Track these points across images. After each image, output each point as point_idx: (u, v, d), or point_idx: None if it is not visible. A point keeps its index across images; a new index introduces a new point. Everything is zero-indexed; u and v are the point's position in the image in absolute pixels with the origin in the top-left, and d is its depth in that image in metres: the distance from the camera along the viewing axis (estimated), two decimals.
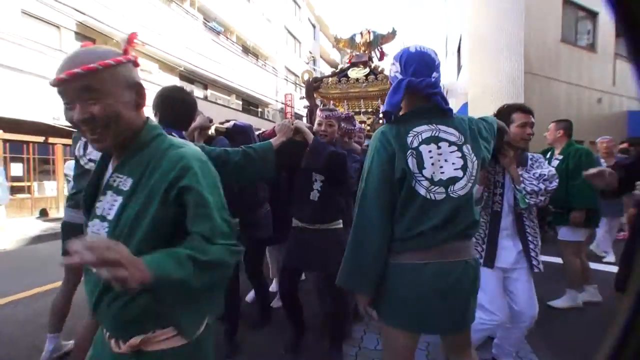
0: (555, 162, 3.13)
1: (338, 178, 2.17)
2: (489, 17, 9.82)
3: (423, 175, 1.20)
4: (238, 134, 2.45)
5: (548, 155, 3.30)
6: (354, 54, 7.28)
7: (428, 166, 1.20)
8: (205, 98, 14.56)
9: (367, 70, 6.74)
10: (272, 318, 2.88)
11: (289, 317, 2.42)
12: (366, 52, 7.15)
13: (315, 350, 2.43)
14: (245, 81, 15.78)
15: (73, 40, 9.59)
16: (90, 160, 2.27)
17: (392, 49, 7.88)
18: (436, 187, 1.19)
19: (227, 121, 2.79)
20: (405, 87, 1.24)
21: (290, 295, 2.36)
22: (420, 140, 1.22)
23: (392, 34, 7.19)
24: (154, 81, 11.43)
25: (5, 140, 8.12)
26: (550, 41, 9.29)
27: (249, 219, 2.47)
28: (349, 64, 7.27)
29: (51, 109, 8.22)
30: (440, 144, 1.22)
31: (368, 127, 6.68)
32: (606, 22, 10.11)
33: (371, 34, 7.24)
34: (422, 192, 1.20)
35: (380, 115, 6.89)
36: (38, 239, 6.54)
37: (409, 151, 1.21)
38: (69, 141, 8.75)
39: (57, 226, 7.81)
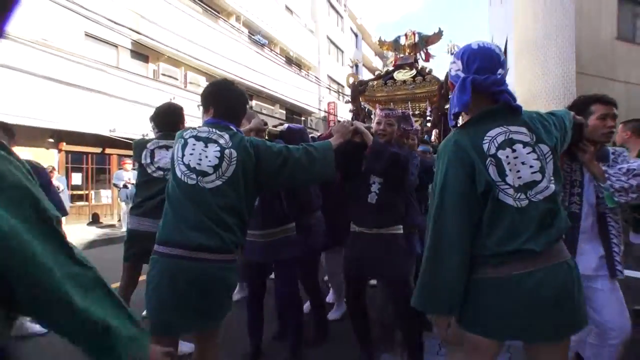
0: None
1: (399, 180, 2.08)
2: (536, 17, 9.44)
3: (507, 183, 1.13)
4: (292, 136, 2.37)
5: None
6: (399, 56, 7.05)
7: (509, 173, 1.13)
8: (250, 108, 14.85)
9: (414, 72, 6.49)
10: (330, 332, 2.70)
11: (356, 331, 2.28)
12: (411, 53, 6.93)
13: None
14: (288, 91, 15.99)
15: (129, 57, 10.27)
16: (159, 168, 2.34)
17: (438, 49, 7.52)
18: (519, 194, 1.13)
19: (281, 124, 2.84)
20: (470, 85, 1.16)
21: (357, 306, 2.24)
22: (497, 145, 1.15)
23: (439, 35, 6.90)
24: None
25: (67, 152, 8.78)
26: (604, 39, 8.92)
27: (304, 224, 2.42)
28: (393, 67, 7.05)
29: (108, 122, 8.79)
30: (515, 147, 1.14)
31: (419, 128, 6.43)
32: None
33: (416, 36, 7.01)
34: (510, 201, 1.13)
35: (429, 118, 6.51)
36: (92, 244, 6.88)
37: (488, 159, 1.14)
38: (123, 151, 9.36)
39: (109, 232, 8.26)
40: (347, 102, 8.47)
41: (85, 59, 8.45)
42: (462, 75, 1.21)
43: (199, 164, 1.43)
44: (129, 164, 7.94)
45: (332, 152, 1.66)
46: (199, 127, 1.56)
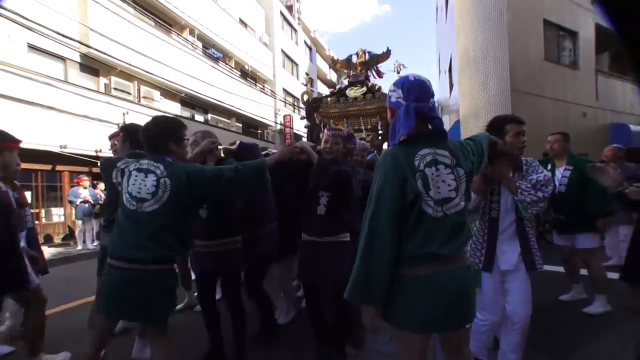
0: (566, 172, 3.29)
1: (344, 193, 2.33)
2: (476, 38, 10.27)
3: (430, 196, 1.32)
4: (245, 151, 2.63)
5: (549, 167, 3.40)
6: (351, 74, 7.55)
7: (432, 187, 1.32)
8: (206, 122, 14.92)
9: (365, 89, 6.98)
10: (280, 335, 2.87)
11: (315, 329, 2.49)
12: (363, 71, 7.41)
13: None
14: (244, 105, 16.21)
15: (78, 71, 9.99)
16: None
17: (387, 67, 8.18)
18: (437, 206, 1.32)
19: (234, 143, 2.93)
20: (414, 111, 1.35)
21: (313, 308, 2.46)
22: (425, 163, 1.33)
23: (387, 54, 7.43)
24: (156, 107, 11.81)
25: None
26: (534, 60, 9.80)
27: (251, 236, 2.58)
28: (347, 84, 7.53)
29: (58, 138, 8.48)
30: (438, 167, 1.34)
31: (368, 144, 6.88)
32: (586, 40, 10.81)
33: (366, 54, 7.49)
34: (430, 211, 1.32)
35: (380, 132, 7.07)
36: (49, 263, 6.61)
37: (417, 174, 1.32)
38: (75, 168, 9.04)
39: (64, 250, 7.94)
40: (302, 118, 8.87)
41: (29, 72, 8.15)
42: (403, 102, 1.38)
43: (139, 192, 1.74)
44: (86, 180, 7.73)
45: (264, 169, 1.97)
46: (142, 159, 1.86)
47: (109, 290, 1.73)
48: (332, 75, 30.30)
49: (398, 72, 6.72)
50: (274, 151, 3.04)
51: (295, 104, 22.48)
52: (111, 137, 3.07)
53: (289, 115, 20.31)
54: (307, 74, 24.14)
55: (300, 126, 21.97)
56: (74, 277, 5.56)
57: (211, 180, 1.82)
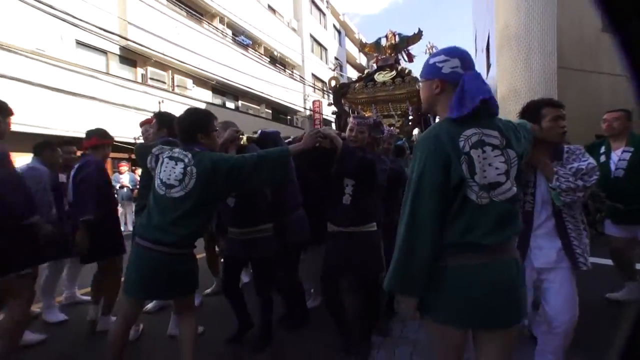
0: (625, 155, 2.93)
1: (370, 181, 2.27)
2: (519, 12, 9.36)
3: (475, 181, 1.19)
4: (267, 140, 2.65)
5: (603, 150, 3.08)
6: (380, 58, 7.40)
7: (478, 171, 1.19)
8: (237, 109, 15.29)
9: (394, 73, 6.85)
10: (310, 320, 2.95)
11: (335, 321, 2.47)
12: (392, 54, 7.24)
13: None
14: (274, 91, 16.41)
15: (118, 63, 10.54)
16: None
17: (418, 49, 7.92)
18: (482, 192, 1.20)
19: (257, 131, 3.00)
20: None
21: (333, 300, 2.41)
22: (470, 144, 1.20)
23: (418, 35, 7.18)
24: (189, 95, 12.26)
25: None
26: (588, 31, 8.62)
27: (280, 224, 2.63)
28: (375, 68, 7.41)
29: (100, 126, 9.06)
30: (485, 148, 1.20)
31: (397, 130, 6.80)
32: None
33: (396, 37, 7.27)
34: (474, 197, 1.20)
35: (410, 117, 6.96)
36: None
37: (462, 156, 1.19)
38: (115, 154, 9.63)
39: None
40: (330, 104, 8.80)
41: (77, 67, 8.73)
42: (462, 72, 1.24)
43: (169, 179, 1.86)
44: (124, 166, 8.25)
45: (287, 157, 1.98)
46: (175, 148, 1.99)
47: (131, 267, 1.88)
48: (362, 59, 29.75)
49: (431, 54, 6.54)
50: (271, 129, 3.04)
51: (325, 89, 22.41)
52: (142, 124, 3.16)
53: (318, 100, 20.31)
54: (336, 58, 23.91)
55: (329, 112, 22.00)
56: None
57: (234, 169, 1.86)
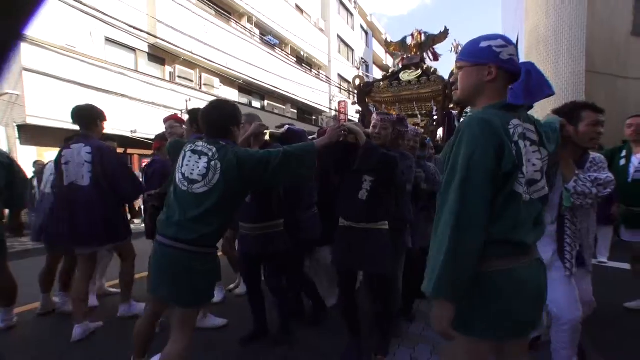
0: None
1: (389, 178, 2.19)
2: (548, 15, 9.22)
3: (522, 173, 1.08)
4: (292, 138, 2.53)
5: (624, 152, 3.09)
6: (405, 57, 7.14)
7: (525, 164, 1.09)
8: (263, 108, 15.31)
9: (419, 72, 6.60)
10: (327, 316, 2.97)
11: (346, 321, 2.39)
12: (418, 53, 6.97)
13: (365, 347, 2.43)
14: (299, 91, 16.35)
15: (146, 61, 10.76)
16: None
17: (443, 48, 7.60)
18: (526, 187, 1.11)
19: (283, 126, 2.92)
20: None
21: (347, 298, 2.34)
22: (518, 134, 1.10)
23: (445, 34, 6.91)
24: (216, 94, 12.37)
25: None
26: (618, 36, 8.67)
27: (292, 221, 2.58)
28: (400, 67, 7.15)
29: (129, 123, 9.26)
30: (526, 142, 1.12)
31: (422, 130, 6.55)
32: None
33: (422, 35, 7.01)
34: (521, 191, 1.09)
35: (435, 117, 6.65)
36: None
37: (512, 144, 1.07)
38: (144, 151, 9.83)
39: (133, 227, 8.72)
40: (353, 103, 8.62)
41: (107, 64, 8.94)
42: (517, 61, 1.16)
43: (192, 174, 1.73)
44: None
45: (313, 154, 1.86)
46: (198, 141, 1.83)
47: (152, 265, 1.78)
48: (389, 60, 29.25)
49: (457, 53, 6.24)
50: (297, 127, 2.95)
51: (351, 90, 22.15)
52: (166, 120, 3.15)
53: (344, 101, 20.07)
54: (362, 58, 23.60)
55: (354, 112, 21.73)
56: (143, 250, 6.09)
57: (260, 165, 1.75)
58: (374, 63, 26.59)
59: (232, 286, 3.83)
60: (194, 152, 1.79)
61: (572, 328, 1.85)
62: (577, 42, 8.55)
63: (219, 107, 1.86)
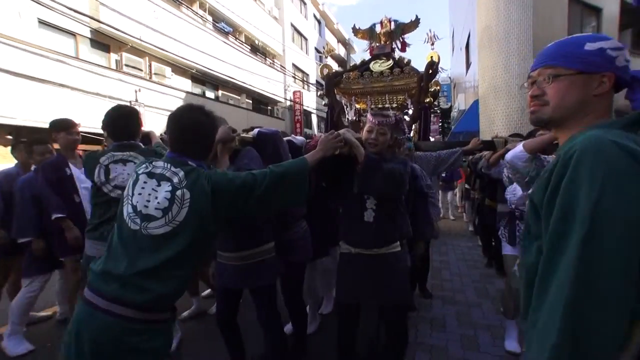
0: None
1: (396, 196, 1.91)
2: (498, 16, 9.83)
3: None
4: (265, 142, 2.10)
5: None
6: (375, 45, 6.92)
7: None
8: (217, 99, 14.49)
9: (391, 62, 6.43)
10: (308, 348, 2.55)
11: (342, 351, 2.06)
12: (387, 42, 6.76)
13: None
14: (254, 81, 15.68)
15: (89, 47, 9.55)
16: (116, 187, 2.03)
17: (414, 38, 7.58)
18: None
19: (252, 129, 2.52)
20: None
21: (347, 336, 2.01)
22: None
23: (415, 23, 6.71)
24: (168, 84, 11.40)
25: None
26: (558, 38, 9.54)
27: (282, 241, 2.15)
28: (370, 57, 6.94)
29: (71, 116, 8.17)
30: None
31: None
32: (610, 17, 10.44)
33: (392, 23, 6.81)
34: None
35: (408, 110, 6.58)
36: None
37: None
38: (91, 147, 8.77)
39: None
40: (320, 95, 8.23)
41: (41, 49, 7.75)
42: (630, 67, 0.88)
43: (146, 207, 1.24)
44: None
45: (306, 172, 1.46)
46: (157, 160, 1.36)
47: (72, 331, 1.18)
48: (341, 50, 29.25)
49: (432, 44, 6.14)
50: (298, 137, 2.70)
51: (305, 79, 21.80)
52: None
53: (299, 91, 19.73)
54: (316, 49, 23.29)
55: (310, 102, 21.45)
56: None
57: (241, 193, 1.31)
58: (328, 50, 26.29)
59: (185, 314, 3.17)
60: (150, 175, 1.29)
61: None
62: (526, 42, 9.13)
63: (190, 114, 1.36)
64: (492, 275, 4.23)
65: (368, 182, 1.77)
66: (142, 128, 2.26)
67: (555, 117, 0.90)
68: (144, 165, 1.34)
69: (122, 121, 2.10)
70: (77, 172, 2.65)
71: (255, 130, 2.18)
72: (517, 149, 1.76)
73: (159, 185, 1.27)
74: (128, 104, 9.88)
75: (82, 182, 2.62)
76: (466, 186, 7.40)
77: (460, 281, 4.08)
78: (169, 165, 1.30)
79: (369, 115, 2.03)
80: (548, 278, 0.73)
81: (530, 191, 0.92)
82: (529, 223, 0.90)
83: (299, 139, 2.64)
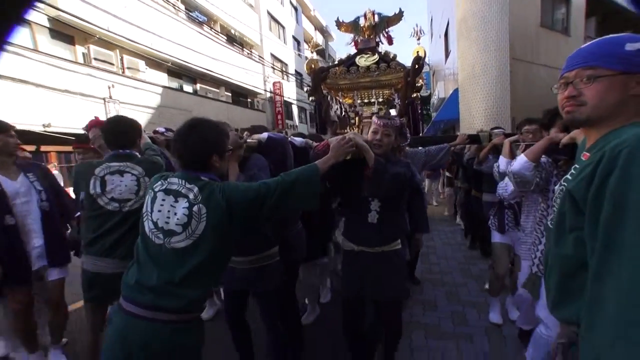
0: None
1: (400, 199, 1.98)
2: (476, 5, 9.99)
3: None
4: (273, 148, 2.12)
5: None
6: (359, 40, 6.68)
7: None
8: (195, 92, 13.80)
9: (377, 57, 6.24)
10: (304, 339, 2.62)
11: (352, 352, 2.17)
12: (372, 36, 6.57)
13: None
14: (233, 73, 15.03)
15: (48, 38, 8.68)
16: (113, 199, 1.93)
17: (398, 32, 7.36)
18: None
19: (254, 130, 2.50)
20: None
21: (354, 328, 2.09)
22: None
23: (399, 16, 6.51)
24: (142, 78, 10.66)
25: None
26: (531, 26, 9.76)
27: (282, 241, 2.19)
28: (355, 50, 6.70)
29: (40, 115, 7.47)
30: None
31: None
32: (577, 5, 10.79)
33: (375, 16, 6.60)
34: None
35: (395, 104, 6.39)
36: None
37: None
38: (63, 148, 8.07)
39: None
40: (307, 91, 7.95)
41: None
42: None
43: (167, 223, 1.30)
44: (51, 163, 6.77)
45: (317, 178, 1.48)
46: (171, 177, 1.39)
47: (111, 343, 1.28)
48: (318, 38, 28.62)
49: (419, 39, 5.96)
50: (297, 138, 2.60)
51: (284, 69, 21.17)
52: (89, 128, 2.35)
53: (279, 82, 19.14)
54: (294, 37, 22.61)
55: (290, 93, 20.90)
56: None
57: (255, 203, 1.35)
58: (305, 40, 25.65)
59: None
60: (167, 192, 1.34)
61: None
62: (503, 32, 9.35)
63: (201, 128, 1.37)
64: (474, 257, 4.60)
65: (377, 186, 1.82)
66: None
67: (593, 117, 0.92)
68: (159, 183, 1.38)
69: (123, 130, 2.03)
70: (10, 185, 2.16)
71: (265, 135, 2.17)
72: (522, 161, 1.81)
73: (176, 201, 1.32)
74: (102, 101, 9.18)
75: (19, 197, 2.19)
76: (447, 174, 7.55)
77: (447, 264, 4.35)
78: (183, 182, 1.34)
79: (374, 118, 2.03)
80: (603, 272, 0.75)
81: (568, 185, 0.93)
82: (562, 216, 0.94)
83: (298, 140, 2.56)
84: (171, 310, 1.25)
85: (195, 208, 1.28)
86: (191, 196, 1.30)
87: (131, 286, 1.30)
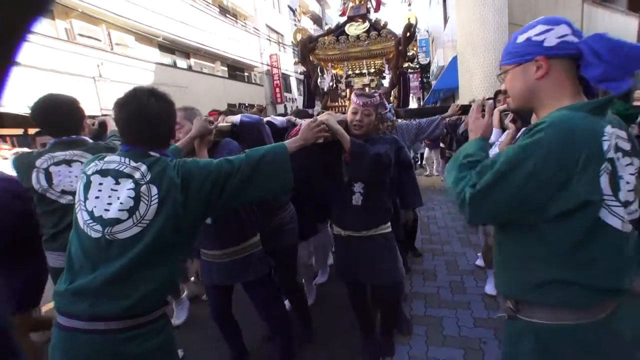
0: None
1: (384, 179, 1.85)
2: None
3: (618, 200, 0.82)
4: (247, 132, 1.95)
5: None
6: (349, 6, 6.22)
7: (622, 186, 0.83)
8: (190, 68, 13.27)
9: (367, 25, 5.82)
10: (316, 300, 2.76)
11: (360, 322, 2.21)
12: (362, 3, 6.11)
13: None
14: (228, 46, 14.39)
15: None
16: (64, 192, 1.72)
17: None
18: (625, 215, 0.84)
19: (225, 113, 2.33)
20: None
21: (358, 303, 2.13)
22: (614, 147, 0.82)
23: None
24: (132, 55, 10.19)
25: None
26: None
27: (272, 228, 2.11)
28: (345, 19, 6.27)
29: (24, 97, 7.16)
30: (618, 154, 0.83)
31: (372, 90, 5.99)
32: None
33: None
34: (617, 224, 0.82)
35: (386, 75, 6.05)
36: None
37: (604, 165, 0.80)
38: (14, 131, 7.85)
39: None
40: (296, 63, 7.54)
41: None
42: (575, 39, 0.86)
43: (107, 210, 1.07)
44: (5, 149, 6.31)
45: (286, 158, 1.30)
46: (110, 155, 1.15)
47: None
48: (315, 6, 27.19)
49: (409, 4, 5.52)
50: (278, 118, 2.45)
51: (280, 41, 20.28)
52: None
53: (275, 54, 18.39)
54: (289, 7, 21.47)
55: (288, 66, 20.13)
56: None
57: (218, 181, 1.16)
58: (302, 12, 24.35)
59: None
60: (103, 173, 1.11)
61: None
62: None
63: (148, 98, 1.14)
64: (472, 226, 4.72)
65: (356, 170, 1.73)
66: (87, 118, 1.88)
67: (517, 106, 1.00)
68: (92, 164, 1.14)
69: (57, 112, 1.70)
70: None
71: (237, 117, 1.98)
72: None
73: (117, 183, 1.10)
74: (92, 80, 8.82)
75: None
76: (441, 145, 7.53)
77: (447, 233, 4.31)
78: (126, 159, 1.12)
79: (352, 96, 1.88)
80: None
81: None
82: None
83: (279, 119, 2.40)
84: (110, 317, 1.03)
85: (143, 188, 1.08)
86: (137, 175, 1.09)
87: (62, 295, 1.06)
